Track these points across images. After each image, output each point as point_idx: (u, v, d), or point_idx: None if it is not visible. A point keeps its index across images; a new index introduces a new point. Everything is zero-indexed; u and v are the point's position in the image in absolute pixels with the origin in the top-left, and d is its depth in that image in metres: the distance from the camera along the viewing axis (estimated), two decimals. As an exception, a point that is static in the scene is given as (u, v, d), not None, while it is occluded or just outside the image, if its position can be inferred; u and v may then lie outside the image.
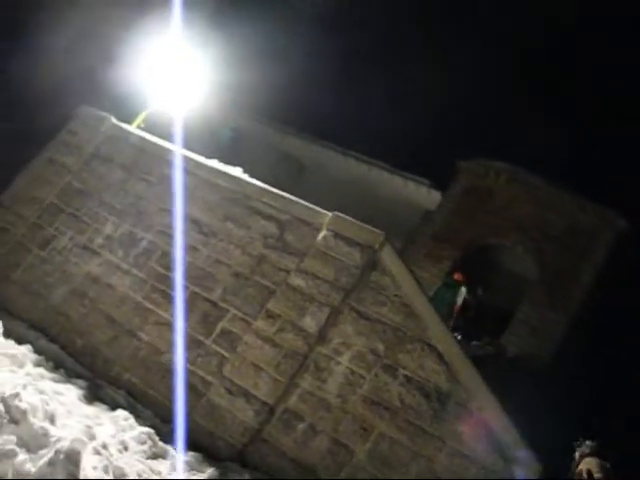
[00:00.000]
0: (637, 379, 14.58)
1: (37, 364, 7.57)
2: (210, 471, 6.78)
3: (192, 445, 7.31)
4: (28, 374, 6.98)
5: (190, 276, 8.77)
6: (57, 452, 4.88)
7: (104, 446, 5.83)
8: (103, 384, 8.09)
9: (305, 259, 8.28)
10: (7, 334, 7.95)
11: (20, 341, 7.96)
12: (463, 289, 13.13)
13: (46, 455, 4.89)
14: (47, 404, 5.85)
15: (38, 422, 5.35)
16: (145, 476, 5.88)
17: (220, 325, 8.28)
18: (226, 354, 8.04)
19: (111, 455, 5.83)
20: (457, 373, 7.39)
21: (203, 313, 8.44)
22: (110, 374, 8.39)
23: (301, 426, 7.50)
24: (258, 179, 9.54)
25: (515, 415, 7.35)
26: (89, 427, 6.00)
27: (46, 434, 5.24)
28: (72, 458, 4.90)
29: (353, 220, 8.33)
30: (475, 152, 20.89)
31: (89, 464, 5.25)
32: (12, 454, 4.65)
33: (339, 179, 22.12)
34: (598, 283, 18.30)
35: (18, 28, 16.24)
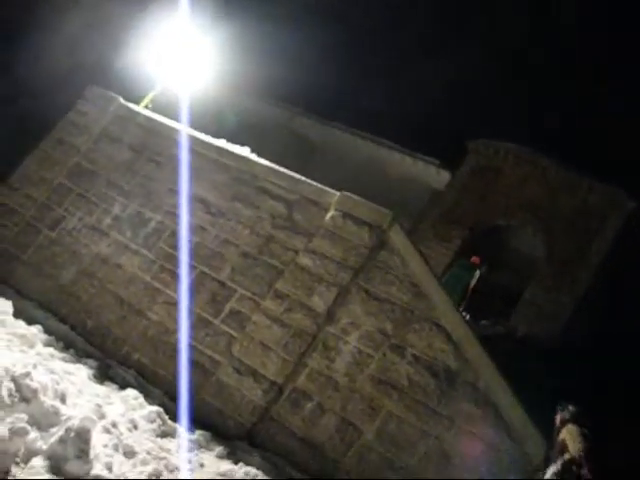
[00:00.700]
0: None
1: (47, 344, 7.62)
2: (219, 449, 6.84)
3: (201, 423, 7.38)
4: (38, 354, 7.03)
5: (198, 256, 8.79)
6: (68, 430, 4.92)
7: (114, 424, 5.89)
8: (113, 364, 8.15)
9: (313, 239, 8.29)
10: (17, 314, 8.00)
11: (30, 321, 8.00)
12: (478, 272, 13.21)
13: (57, 433, 4.93)
14: (57, 383, 5.90)
15: (49, 401, 5.40)
16: (154, 454, 5.92)
17: (228, 305, 8.31)
18: (235, 334, 8.08)
19: (121, 433, 5.89)
20: (465, 352, 7.39)
21: (212, 293, 8.46)
22: (120, 354, 8.45)
23: (309, 405, 7.54)
24: (267, 159, 9.54)
25: (523, 394, 7.38)
26: (99, 406, 6.05)
27: (57, 412, 5.29)
28: (82, 436, 4.94)
29: (361, 199, 8.31)
30: (484, 132, 20.81)
31: (99, 442, 5.30)
32: (23, 432, 4.69)
33: (348, 159, 22.08)
34: (606, 264, 18.25)
35: (25, 13, 16.21)
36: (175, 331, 8.34)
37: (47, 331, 8.02)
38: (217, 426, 7.44)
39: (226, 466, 6.42)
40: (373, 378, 7.50)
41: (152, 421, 6.65)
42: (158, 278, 8.82)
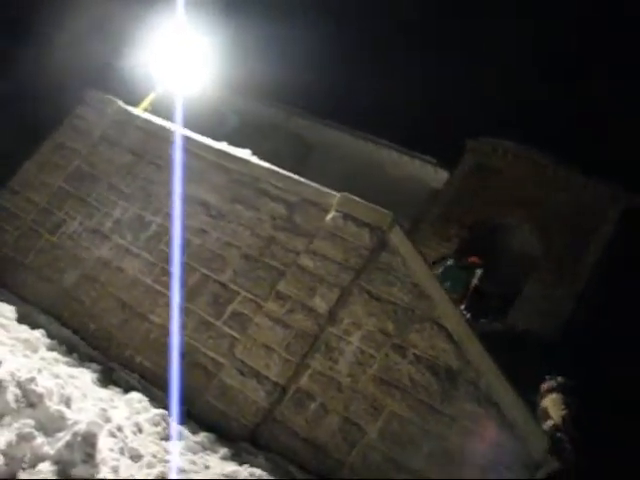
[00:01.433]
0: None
1: (51, 348, 7.65)
2: (223, 451, 6.87)
3: (205, 425, 7.42)
4: (42, 358, 7.07)
5: (200, 258, 8.84)
6: (74, 435, 4.95)
7: (119, 428, 5.91)
8: (116, 367, 8.18)
9: (314, 240, 8.32)
10: (20, 319, 8.04)
11: (33, 326, 8.04)
12: (478, 271, 13.22)
13: (63, 438, 4.96)
14: (63, 388, 5.93)
15: (54, 405, 5.43)
16: (160, 457, 5.96)
17: (231, 307, 8.34)
18: (237, 335, 8.11)
19: (126, 437, 5.91)
20: (466, 352, 7.44)
21: (214, 295, 8.50)
22: (123, 357, 8.48)
23: (312, 406, 7.58)
24: (265, 160, 9.58)
25: (524, 391, 7.45)
26: (104, 410, 6.08)
27: (62, 417, 5.31)
28: (89, 440, 4.98)
29: (362, 201, 8.35)
30: (482, 131, 20.84)
31: (105, 446, 5.33)
32: (30, 437, 4.72)
33: (345, 158, 22.07)
34: (604, 260, 18.31)
35: (23, 14, 16.22)
36: (176, 334, 8.38)
37: (50, 335, 8.06)
38: (221, 428, 7.47)
39: (231, 467, 6.45)
40: (375, 378, 7.54)
41: (157, 424, 6.68)
42: (159, 281, 8.85)
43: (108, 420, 5.93)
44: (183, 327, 8.37)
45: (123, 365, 8.30)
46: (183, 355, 8.18)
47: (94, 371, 7.65)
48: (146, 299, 8.81)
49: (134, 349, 8.54)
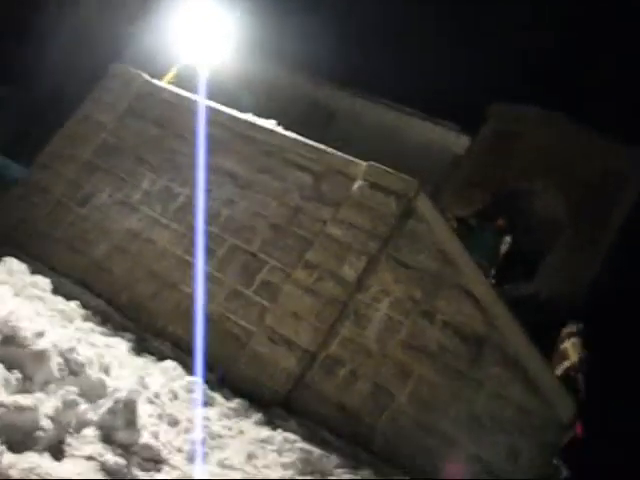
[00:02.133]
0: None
1: (86, 319, 7.83)
2: (257, 416, 7.04)
3: (238, 392, 7.58)
4: (78, 328, 7.23)
5: (228, 229, 8.96)
6: (116, 401, 5.12)
7: (156, 395, 6.09)
8: (149, 336, 8.36)
9: (341, 209, 8.41)
10: (55, 290, 8.21)
11: (68, 297, 8.20)
12: (508, 238, 13.18)
13: (105, 404, 5.13)
14: (102, 357, 6.11)
15: (94, 374, 5.59)
16: (196, 422, 6.14)
17: (260, 276, 8.48)
18: (267, 304, 8.26)
19: (163, 403, 6.09)
20: (493, 317, 7.54)
21: (243, 264, 8.64)
22: (155, 326, 8.64)
23: (342, 372, 7.73)
24: (288, 129, 9.65)
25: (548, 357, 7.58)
26: (141, 377, 6.25)
27: (103, 385, 5.48)
28: (130, 407, 5.14)
29: (388, 169, 8.42)
30: (504, 96, 20.67)
31: (145, 412, 5.50)
32: (75, 404, 4.89)
33: (368, 126, 22.01)
34: (628, 225, 18.22)
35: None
36: (207, 303, 8.52)
37: (84, 306, 8.22)
38: (253, 394, 7.63)
39: (265, 432, 6.61)
40: (404, 344, 7.67)
41: (191, 391, 6.87)
42: (189, 251, 8.99)
43: (145, 387, 6.11)
44: (213, 296, 8.52)
45: (155, 334, 8.48)
46: (214, 323, 8.34)
47: (128, 340, 7.81)
48: (176, 269, 8.95)
49: (166, 319, 8.70)
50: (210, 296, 8.52)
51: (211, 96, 10.45)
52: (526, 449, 6.98)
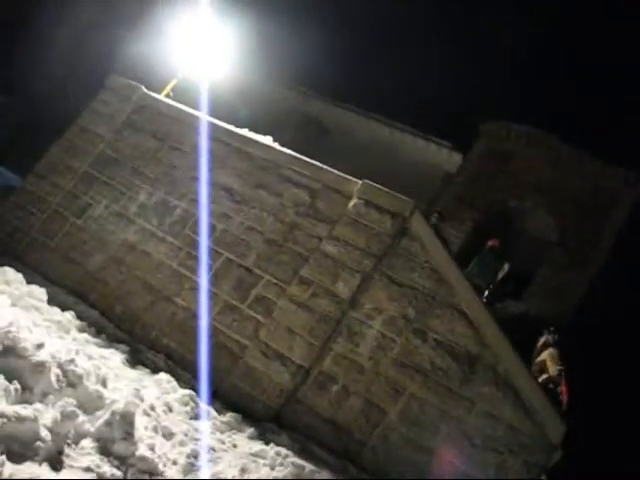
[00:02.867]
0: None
1: (81, 330, 7.87)
2: (250, 431, 7.10)
3: (231, 406, 7.64)
4: (75, 339, 7.29)
5: (224, 243, 9.02)
6: (113, 413, 5.18)
7: (152, 407, 6.15)
8: (143, 348, 8.41)
9: (337, 226, 8.50)
10: (50, 301, 8.24)
11: (63, 307, 8.24)
12: (506, 265, 13.24)
13: (103, 416, 5.19)
14: (99, 368, 6.16)
15: (92, 385, 5.64)
16: (190, 435, 6.19)
17: (255, 291, 8.55)
18: (261, 319, 8.32)
19: (158, 416, 6.15)
20: (485, 337, 7.63)
21: (238, 279, 8.70)
22: (149, 338, 8.70)
23: (335, 388, 7.80)
24: (281, 144, 9.75)
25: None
26: (137, 390, 6.30)
27: (100, 397, 5.53)
28: (127, 419, 5.20)
29: (383, 188, 8.51)
30: (496, 115, 20.87)
31: (141, 424, 5.55)
32: (73, 415, 4.94)
33: (362, 142, 22.15)
34: (618, 245, 18.38)
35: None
36: (202, 316, 8.58)
37: (79, 317, 8.26)
38: (246, 408, 7.70)
39: (258, 446, 6.67)
40: (396, 362, 7.75)
41: (185, 404, 6.93)
42: (185, 265, 9.05)
43: (142, 399, 6.16)
44: (208, 310, 8.58)
45: (149, 346, 8.53)
46: (208, 337, 8.39)
47: (122, 352, 7.86)
48: (171, 282, 9.01)
49: (160, 331, 8.76)
50: (204, 309, 8.58)
51: (208, 109, 10.54)
52: (515, 468, 7.06)
